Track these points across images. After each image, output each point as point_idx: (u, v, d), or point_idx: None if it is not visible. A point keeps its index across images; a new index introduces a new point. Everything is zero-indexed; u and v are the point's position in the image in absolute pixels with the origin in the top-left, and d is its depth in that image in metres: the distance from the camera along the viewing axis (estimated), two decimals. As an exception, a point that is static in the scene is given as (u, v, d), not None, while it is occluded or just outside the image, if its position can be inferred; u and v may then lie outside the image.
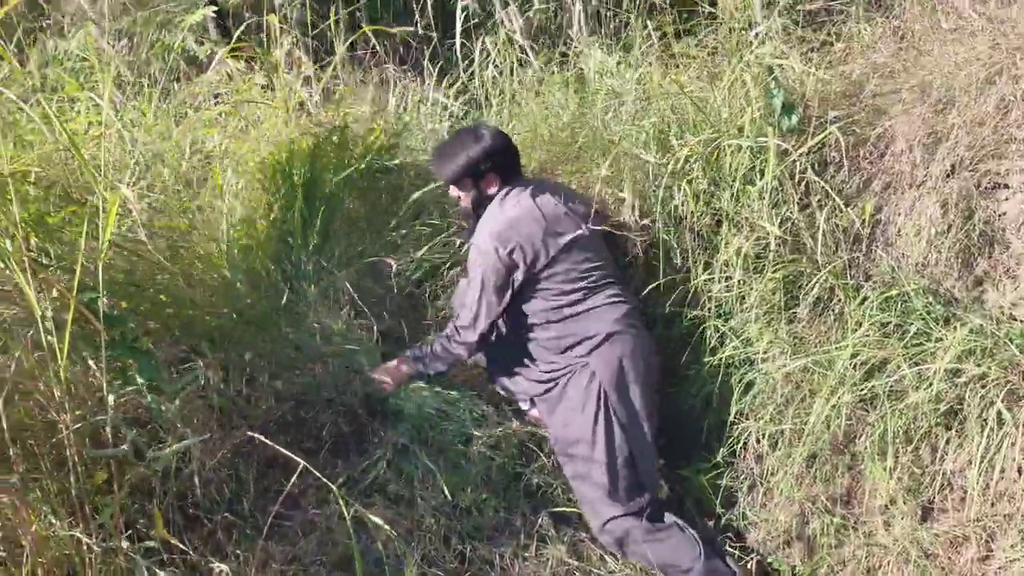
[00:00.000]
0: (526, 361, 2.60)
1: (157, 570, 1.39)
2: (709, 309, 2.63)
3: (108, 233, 1.41)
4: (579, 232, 2.54)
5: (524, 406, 2.68)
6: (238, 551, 1.73)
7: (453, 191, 2.66)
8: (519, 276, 2.49)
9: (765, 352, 2.44)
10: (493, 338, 2.66)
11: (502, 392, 2.71)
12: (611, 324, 2.48)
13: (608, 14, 3.56)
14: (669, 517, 2.34)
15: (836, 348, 2.36)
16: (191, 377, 1.69)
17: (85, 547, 1.31)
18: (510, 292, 2.51)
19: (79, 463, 1.34)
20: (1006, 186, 2.43)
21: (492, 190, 2.59)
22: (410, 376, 2.54)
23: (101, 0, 4.89)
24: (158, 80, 4.09)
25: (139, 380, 1.47)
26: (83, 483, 1.35)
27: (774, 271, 2.47)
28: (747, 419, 2.50)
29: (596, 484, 2.32)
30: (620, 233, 2.77)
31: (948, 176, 2.47)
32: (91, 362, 1.46)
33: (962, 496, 2.11)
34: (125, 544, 1.38)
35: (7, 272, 1.34)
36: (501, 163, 2.58)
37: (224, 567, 1.34)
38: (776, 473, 2.42)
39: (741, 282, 2.51)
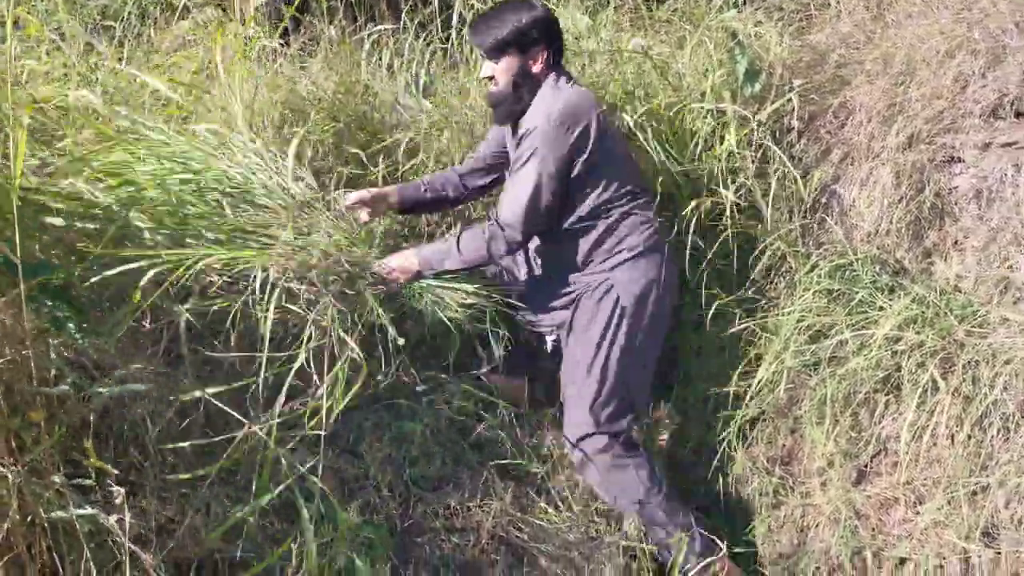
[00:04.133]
0: (551, 277, 2.41)
1: (86, 505, 1.41)
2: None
3: (19, 166, 1.40)
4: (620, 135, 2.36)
5: (550, 339, 2.52)
6: (167, 493, 1.76)
7: (489, 68, 2.33)
8: (578, 166, 2.24)
9: (715, 314, 2.47)
10: (532, 249, 2.46)
11: (527, 326, 2.53)
12: (645, 241, 2.31)
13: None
14: (640, 449, 2.29)
15: (783, 314, 2.39)
16: (125, 312, 1.68)
17: (11, 482, 1.34)
18: (565, 184, 2.25)
19: (4, 403, 1.35)
20: (960, 160, 2.45)
21: (537, 68, 2.30)
22: (419, 272, 2.30)
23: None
24: (133, 25, 4.05)
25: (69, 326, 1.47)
26: (9, 416, 1.36)
27: (728, 235, 2.49)
28: (695, 380, 2.54)
29: (583, 396, 2.24)
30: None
31: (904, 148, 2.49)
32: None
33: (895, 460, 2.17)
34: (56, 479, 1.40)
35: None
36: (552, 38, 2.31)
37: (120, 489, 1.36)
38: (720, 433, 2.47)
39: (696, 245, 2.52)
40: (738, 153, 2.54)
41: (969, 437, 2.02)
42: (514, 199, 2.25)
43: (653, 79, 2.78)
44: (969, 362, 2.07)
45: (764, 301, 2.49)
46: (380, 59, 3.44)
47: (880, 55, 2.68)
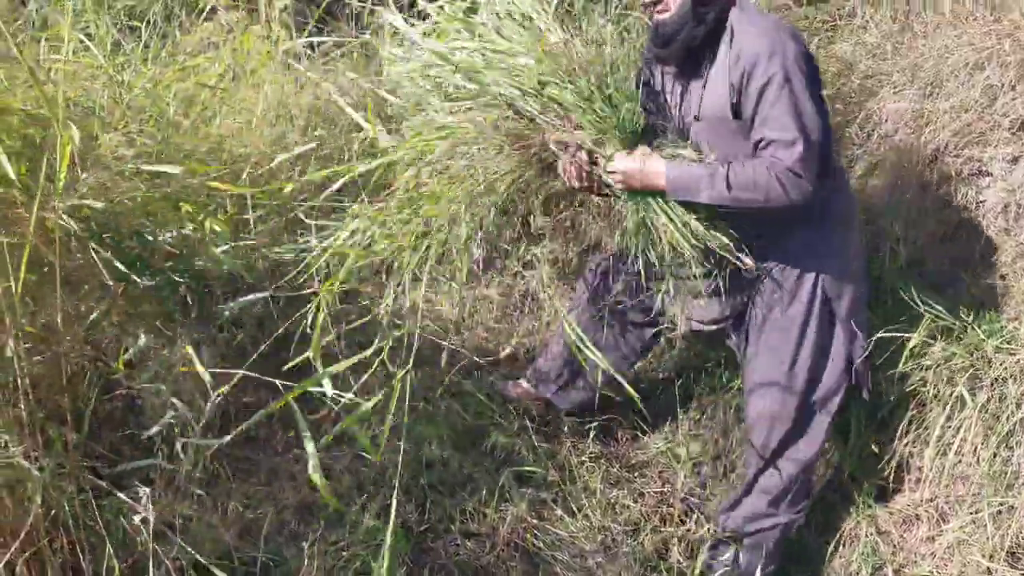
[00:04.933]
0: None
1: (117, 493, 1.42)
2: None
3: (64, 168, 1.41)
4: None
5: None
6: (198, 490, 1.77)
7: None
8: (821, 98, 1.82)
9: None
10: None
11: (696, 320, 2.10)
12: (851, 213, 1.96)
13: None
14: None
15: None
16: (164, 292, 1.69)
17: (36, 473, 1.34)
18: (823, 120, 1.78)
19: (33, 394, 1.36)
20: (988, 173, 2.43)
21: None
22: (663, 186, 1.79)
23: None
24: (158, 26, 4.08)
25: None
26: (36, 413, 1.37)
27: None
28: (725, 393, 2.52)
29: (792, 461, 1.99)
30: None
31: (931, 161, 2.47)
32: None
33: (919, 477, 2.14)
34: (79, 475, 1.40)
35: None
36: None
37: (145, 489, 1.37)
38: (743, 444, 2.44)
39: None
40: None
41: (995, 455, 1.99)
42: (792, 136, 1.72)
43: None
44: (997, 379, 2.04)
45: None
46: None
47: (907, 66, 2.66)
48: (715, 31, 1.81)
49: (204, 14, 4.04)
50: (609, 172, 1.81)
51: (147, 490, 1.38)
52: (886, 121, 2.59)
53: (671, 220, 1.81)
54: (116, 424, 1.73)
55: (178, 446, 1.69)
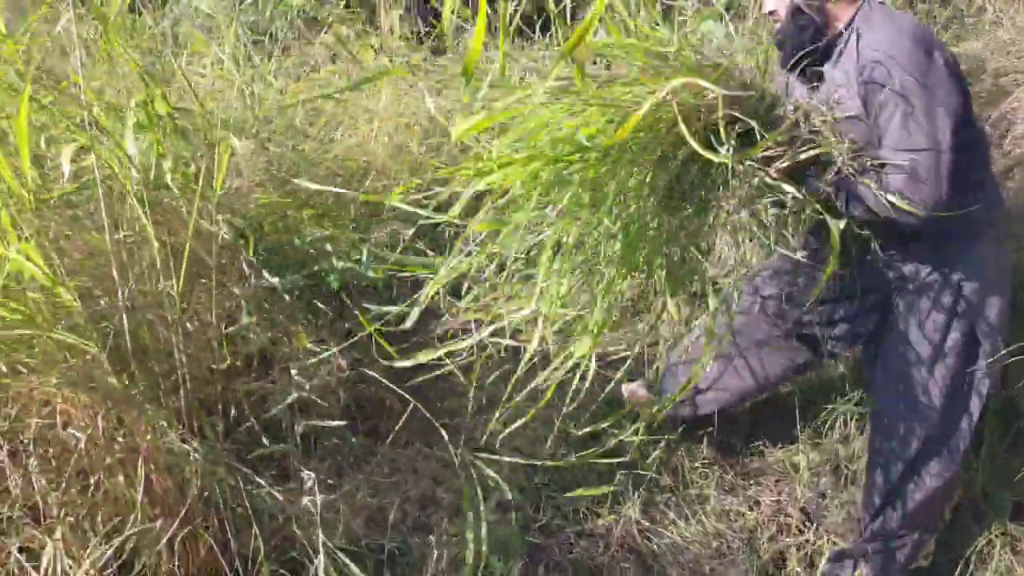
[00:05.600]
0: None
1: (256, 478, 1.53)
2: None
3: (220, 178, 1.52)
4: None
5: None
6: (333, 480, 1.86)
7: (770, 2, 1.86)
8: (960, 95, 1.72)
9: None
10: None
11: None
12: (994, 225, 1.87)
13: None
14: None
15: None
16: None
17: (191, 457, 1.46)
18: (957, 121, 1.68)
19: (193, 385, 1.48)
20: None
21: None
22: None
23: (232, -39, 5.11)
24: (279, 40, 4.30)
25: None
26: (192, 401, 1.49)
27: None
28: (846, 401, 2.46)
29: (934, 476, 1.92)
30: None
31: (1071, 162, 2.35)
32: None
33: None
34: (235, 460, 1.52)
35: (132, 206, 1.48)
36: None
37: (311, 474, 1.46)
38: (861, 457, 2.38)
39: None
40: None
41: None
42: (910, 143, 1.66)
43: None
44: None
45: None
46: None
47: (1045, 63, 2.54)
48: (820, 30, 1.80)
49: (325, 28, 4.24)
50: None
51: (312, 474, 1.48)
52: (1020, 122, 2.48)
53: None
54: (256, 414, 1.84)
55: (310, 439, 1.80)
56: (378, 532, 1.86)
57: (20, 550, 1.41)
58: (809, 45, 1.80)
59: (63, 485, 1.41)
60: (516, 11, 3.56)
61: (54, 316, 1.38)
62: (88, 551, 1.39)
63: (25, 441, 1.47)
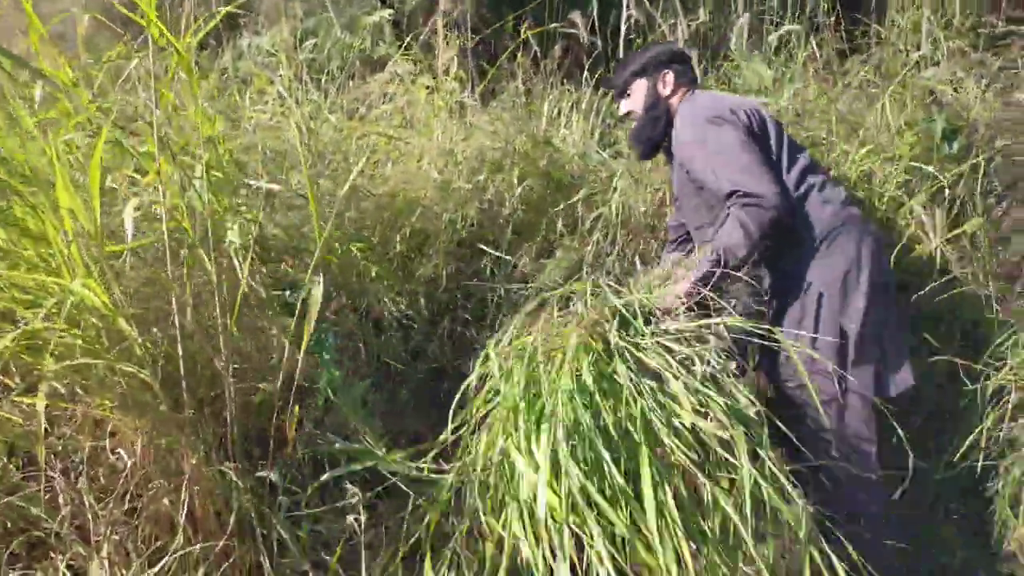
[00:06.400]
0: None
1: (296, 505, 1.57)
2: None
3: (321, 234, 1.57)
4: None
5: None
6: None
7: (623, 105, 2.40)
8: (745, 136, 2.07)
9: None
10: None
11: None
12: (831, 218, 2.08)
13: (770, 27, 3.53)
14: None
15: (981, 382, 2.26)
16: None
17: (232, 483, 1.51)
18: (753, 152, 2.04)
19: (237, 413, 1.54)
20: None
21: (667, 90, 2.31)
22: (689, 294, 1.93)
23: (295, 1, 5.32)
24: (336, 77, 4.45)
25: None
26: (236, 430, 1.55)
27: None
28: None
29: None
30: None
31: (1125, 215, 2.31)
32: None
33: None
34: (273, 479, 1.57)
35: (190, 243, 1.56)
36: (680, 68, 2.33)
37: (356, 490, 1.50)
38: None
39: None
40: (929, 213, 2.44)
41: None
42: (731, 170, 2.02)
43: (841, 136, 2.73)
44: None
45: (959, 367, 2.36)
46: (560, 113, 3.60)
47: (1099, 115, 2.51)
48: (668, 127, 2.29)
49: (380, 67, 4.37)
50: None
51: (358, 491, 1.53)
52: (1072, 172, 2.45)
53: None
54: (298, 444, 1.89)
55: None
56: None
57: (67, 567, 1.47)
58: (659, 138, 2.31)
59: (110, 505, 1.48)
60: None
61: (111, 342, 1.46)
62: (131, 571, 1.44)
63: (77, 461, 1.55)
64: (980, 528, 2.24)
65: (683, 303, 1.88)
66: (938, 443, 2.29)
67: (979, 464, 2.18)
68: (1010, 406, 2.17)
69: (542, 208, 3.19)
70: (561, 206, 3.13)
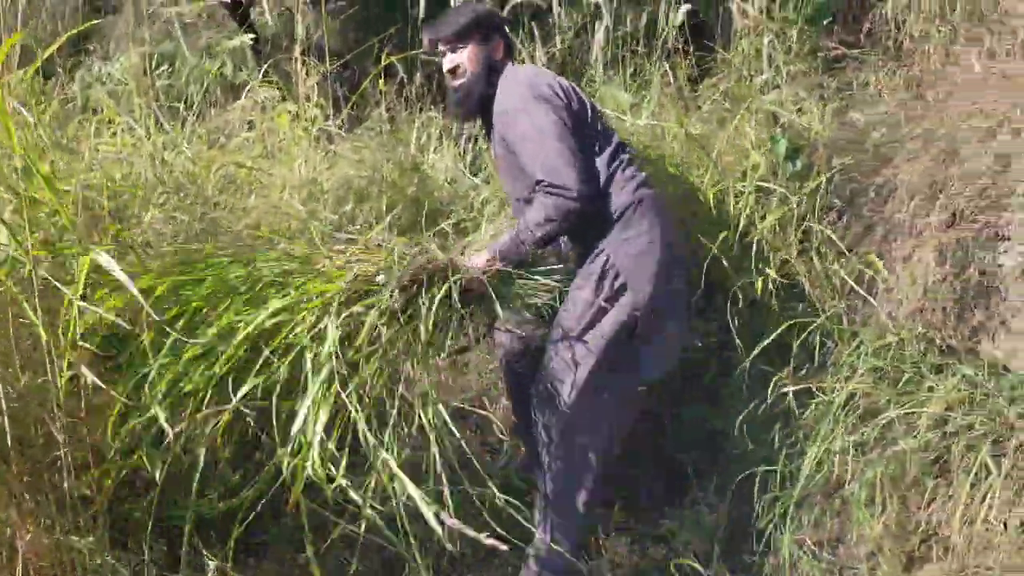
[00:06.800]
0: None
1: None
2: (705, 352, 2.67)
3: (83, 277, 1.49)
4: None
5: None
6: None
7: (452, 58, 2.32)
8: (567, 117, 2.16)
9: (761, 393, 2.47)
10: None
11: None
12: (630, 196, 2.19)
13: (627, 55, 3.64)
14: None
15: (829, 392, 2.38)
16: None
17: (76, 552, 1.40)
18: (573, 136, 2.14)
19: (74, 476, 1.43)
20: (1006, 238, 2.45)
21: (498, 56, 2.33)
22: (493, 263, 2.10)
23: (147, 26, 5.10)
24: (194, 105, 4.27)
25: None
26: (76, 496, 1.44)
27: (771, 314, 2.51)
28: (742, 460, 2.52)
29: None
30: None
31: (948, 226, 2.50)
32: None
33: (947, 546, 2.12)
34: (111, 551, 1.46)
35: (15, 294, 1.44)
36: (505, 32, 2.39)
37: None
38: (767, 515, 2.44)
39: (739, 325, 2.54)
40: (781, 232, 2.57)
41: (1022, 523, 1.97)
42: (544, 156, 2.11)
43: (694, 158, 2.84)
44: (1020, 445, 2.03)
45: (810, 380, 2.48)
46: (429, 138, 3.59)
47: (921, 133, 2.71)
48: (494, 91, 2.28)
49: (240, 93, 4.24)
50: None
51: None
52: (901, 187, 2.63)
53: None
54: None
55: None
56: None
57: None
58: (486, 100, 2.30)
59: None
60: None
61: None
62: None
63: None
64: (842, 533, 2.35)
65: (482, 272, 2.04)
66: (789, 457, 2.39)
67: (835, 471, 2.30)
68: (859, 412, 2.31)
69: (413, 235, 3.15)
70: (431, 232, 3.11)
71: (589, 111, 2.25)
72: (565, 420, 2.15)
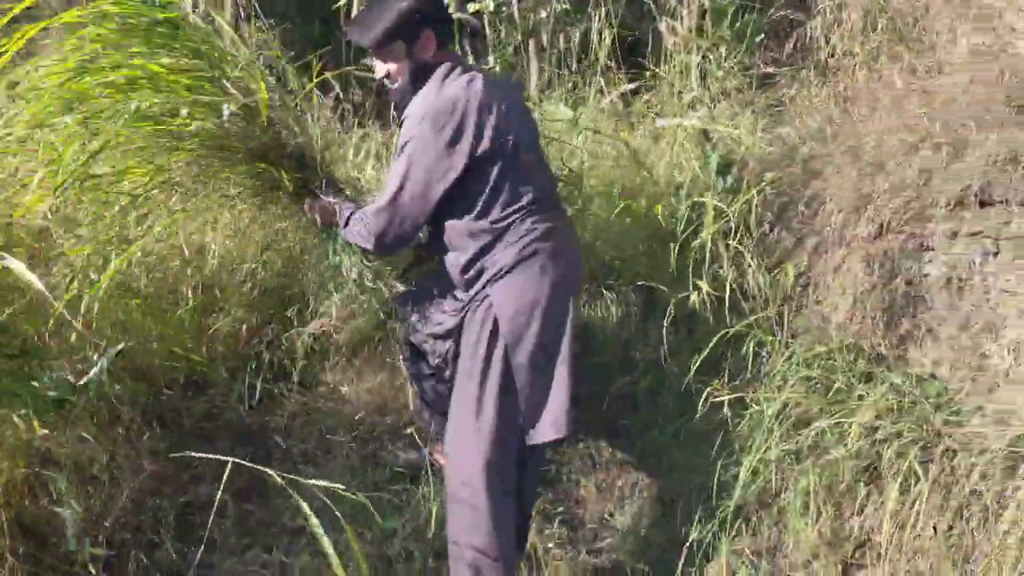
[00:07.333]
0: (438, 296, 2.31)
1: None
2: (641, 366, 2.68)
3: None
4: (527, 134, 2.22)
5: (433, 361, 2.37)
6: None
7: (381, 66, 2.24)
8: (457, 165, 2.08)
9: (695, 404, 2.48)
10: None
11: (422, 346, 2.39)
12: (520, 253, 2.13)
13: (563, 72, 3.66)
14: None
15: (763, 402, 2.41)
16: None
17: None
18: (442, 187, 2.10)
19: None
20: (930, 248, 2.51)
21: (429, 54, 2.18)
22: (330, 225, 2.37)
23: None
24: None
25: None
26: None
27: (706, 326, 2.53)
28: (677, 470, 2.53)
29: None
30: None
31: (875, 237, 2.56)
32: None
33: (879, 552, 2.15)
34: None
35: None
36: (436, 19, 2.21)
37: None
38: (704, 524, 2.44)
39: (675, 335, 2.56)
40: (713, 245, 2.60)
41: (950, 528, 2.01)
42: (385, 192, 2.18)
43: (631, 173, 2.86)
44: (946, 451, 2.08)
45: (744, 390, 2.51)
46: (368, 154, 3.55)
47: (848, 148, 2.77)
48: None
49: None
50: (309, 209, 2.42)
51: None
52: (830, 200, 2.69)
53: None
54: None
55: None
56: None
57: None
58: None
59: None
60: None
61: None
62: None
63: None
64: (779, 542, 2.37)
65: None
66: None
67: (771, 480, 2.32)
68: (792, 421, 2.34)
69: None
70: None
71: (509, 149, 2.12)
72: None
